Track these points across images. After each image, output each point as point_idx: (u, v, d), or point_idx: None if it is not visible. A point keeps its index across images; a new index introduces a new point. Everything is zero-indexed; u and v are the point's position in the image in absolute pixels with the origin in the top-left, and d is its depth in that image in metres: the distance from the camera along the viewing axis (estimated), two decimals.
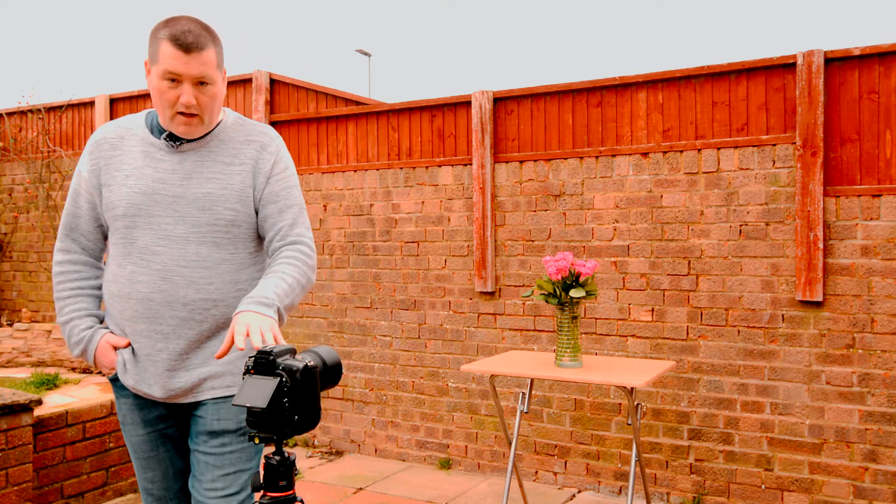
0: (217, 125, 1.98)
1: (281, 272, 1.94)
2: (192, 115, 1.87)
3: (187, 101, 1.84)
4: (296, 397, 1.50)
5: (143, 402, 2.01)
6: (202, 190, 1.92)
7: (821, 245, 3.59)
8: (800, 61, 3.63)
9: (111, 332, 1.98)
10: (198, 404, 1.98)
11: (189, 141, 1.94)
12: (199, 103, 1.85)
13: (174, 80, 1.83)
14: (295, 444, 5.09)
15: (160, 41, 1.83)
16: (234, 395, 1.84)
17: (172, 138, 1.93)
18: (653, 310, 4.01)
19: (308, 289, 2.00)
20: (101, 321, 2.02)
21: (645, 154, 4.04)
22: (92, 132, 5.79)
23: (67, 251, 2.02)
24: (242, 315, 1.77)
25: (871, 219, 3.54)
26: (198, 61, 1.82)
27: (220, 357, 1.75)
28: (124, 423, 2.06)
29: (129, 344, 1.95)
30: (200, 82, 1.85)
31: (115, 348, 1.97)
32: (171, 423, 2.04)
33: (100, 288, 2.04)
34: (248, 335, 1.69)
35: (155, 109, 1.95)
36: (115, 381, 2.02)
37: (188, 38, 1.81)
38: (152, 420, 2.02)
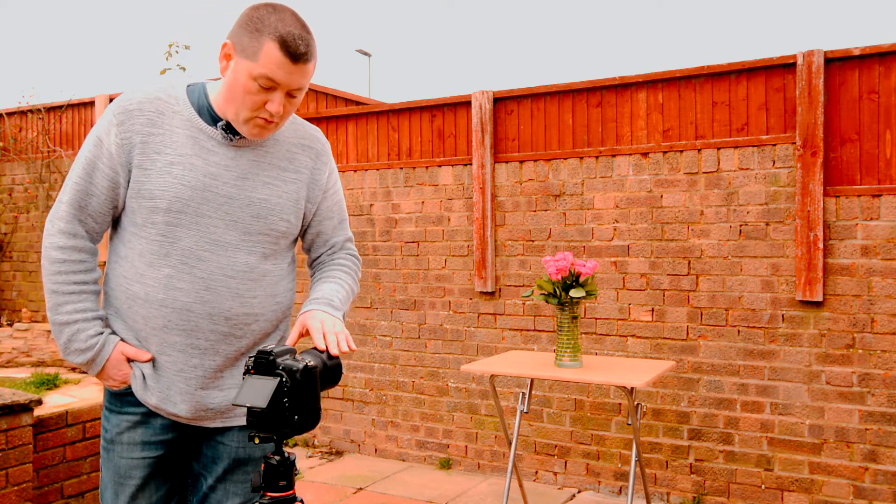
0: None
1: (338, 278, 1.86)
2: (270, 122, 1.67)
3: (276, 110, 1.63)
4: (296, 397, 1.50)
5: (151, 422, 1.78)
6: (258, 195, 1.74)
7: (821, 245, 3.59)
8: (800, 61, 3.63)
9: (124, 342, 1.75)
10: (223, 430, 1.81)
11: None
12: (283, 112, 1.67)
13: (269, 87, 1.61)
14: (295, 444, 5.09)
15: (265, 38, 1.59)
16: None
17: (230, 130, 1.71)
18: (653, 310, 4.01)
19: (353, 298, 1.92)
20: (105, 323, 1.77)
21: (645, 154, 4.04)
22: None
23: (73, 234, 1.72)
24: (315, 313, 1.69)
25: (871, 219, 3.54)
26: (301, 72, 1.62)
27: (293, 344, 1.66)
28: (113, 443, 1.79)
29: (152, 357, 1.74)
30: (291, 93, 1.65)
31: (130, 360, 1.75)
32: (175, 447, 1.82)
33: (98, 282, 1.79)
34: (324, 335, 1.62)
35: (220, 93, 1.71)
36: (121, 395, 1.79)
37: (300, 46, 1.59)
38: (155, 443, 1.79)
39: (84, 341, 1.72)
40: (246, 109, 1.64)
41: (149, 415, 1.77)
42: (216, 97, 1.71)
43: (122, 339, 1.75)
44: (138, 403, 1.77)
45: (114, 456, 1.79)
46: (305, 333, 1.72)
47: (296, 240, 1.89)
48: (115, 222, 1.77)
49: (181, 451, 1.83)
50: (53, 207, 1.76)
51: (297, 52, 1.59)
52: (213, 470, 1.82)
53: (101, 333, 1.73)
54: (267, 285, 1.78)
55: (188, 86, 1.75)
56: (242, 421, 1.78)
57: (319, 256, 1.94)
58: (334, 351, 1.61)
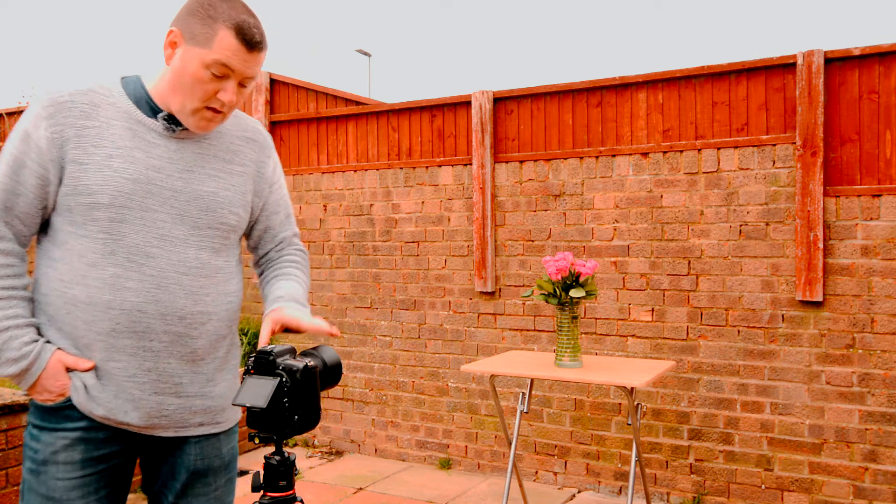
0: None
1: (295, 276, 1.83)
2: (218, 113, 1.61)
3: (230, 99, 1.58)
4: (296, 397, 1.50)
5: (93, 436, 1.63)
6: (205, 188, 1.67)
7: (821, 245, 3.59)
8: (800, 61, 3.63)
9: (61, 350, 1.60)
10: (178, 442, 1.71)
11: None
12: (233, 103, 1.62)
13: (223, 75, 1.56)
14: (295, 444, 5.09)
15: (219, 25, 1.54)
16: (221, 432, 1.77)
17: (171, 121, 1.63)
18: (653, 310, 4.01)
19: None
20: (38, 331, 1.62)
21: (645, 154, 4.04)
22: None
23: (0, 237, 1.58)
24: (289, 310, 1.69)
25: (871, 219, 3.54)
26: (255, 61, 1.58)
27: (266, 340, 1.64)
28: (46, 464, 1.60)
29: (94, 366, 1.60)
30: (242, 83, 1.61)
31: (68, 370, 1.59)
32: (122, 460, 1.68)
33: (27, 288, 1.64)
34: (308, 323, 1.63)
35: (160, 83, 1.63)
36: (56, 409, 1.62)
37: (255, 34, 1.56)
38: (98, 458, 1.63)
39: (17, 349, 1.56)
40: (195, 99, 1.58)
41: (90, 428, 1.62)
42: (157, 88, 1.63)
43: (58, 348, 1.61)
44: (79, 417, 1.61)
45: (46, 479, 1.60)
46: (278, 331, 1.68)
47: (240, 237, 1.82)
48: (45, 224, 1.64)
49: (127, 466, 1.70)
50: None
51: (252, 39, 1.56)
52: (172, 486, 1.72)
53: (37, 341, 1.58)
54: (219, 283, 1.70)
55: (122, 78, 1.66)
56: (199, 431, 1.71)
57: (268, 253, 1.89)
58: (326, 329, 1.63)
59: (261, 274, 1.90)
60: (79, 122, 1.58)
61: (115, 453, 1.65)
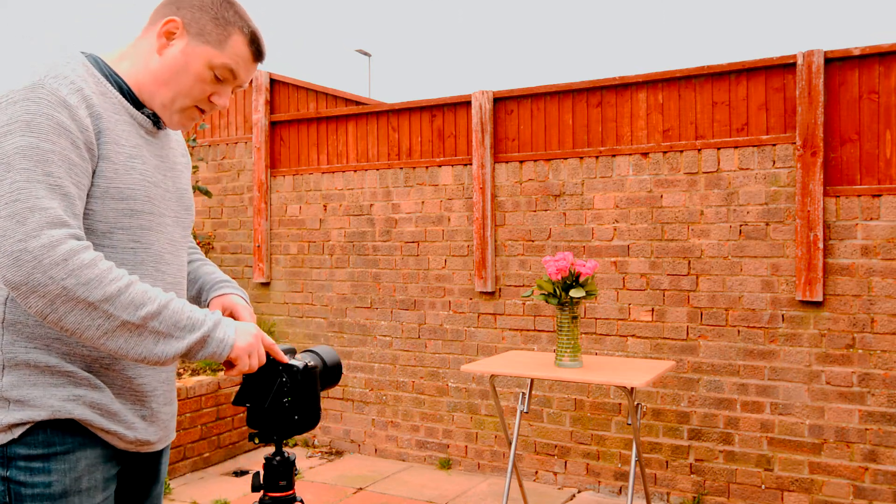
0: None
1: (210, 263, 1.80)
2: (202, 113, 1.54)
3: (223, 104, 1.51)
4: (296, 397, 1.50)
5: (109, 455, 1.46)
6: (182, 185, 1.60)
7: (821, 245, 3.59)
8: (800, 61, 3.63)
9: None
10: (159, 452, 1.63)
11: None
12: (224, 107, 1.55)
13: (224, 79, 1.48)
14: (295, 444, 5.09)
15: (233, 29, 1.46)
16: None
17: (157, 118, 1.52)
18: (653, 310, 4.01)
19: None
20: None
21: (645, 154, 4.04)
22: None
23: (85, 240, 1.30)
24: (244, 310, 1.65)
25: (871, 219, 3.54)
26: (253, 72, 1.55)
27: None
28: (73, 493, 1.37)
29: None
30: (234, 90, 1.56)
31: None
32: (116, 481, 1.53)
33: None
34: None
35: (139, 72, 1.47)
36: (62, 429, 1.37)
37: (264, 46, 1.52)
38: (112, 478, 1.48)
39: (196, 314, 1.35)
40: (189, 98, 1.47)
41: (106, 447, 1.45)
42: (137, 77, 1.47)
43: (68, 372, 1.37)
44: (90, 434, 1.41)
45: None
46: (229, 315, 1.65)
47: None
48: None
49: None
50: (28, 230, 1.22)
51: (262, 51, 1.51)
52: (139, 493, 1.60)
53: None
54: (187, 284, 1.67)
55: (94, 60, 1.46)
56: (171, 437, 1.63)
57: None
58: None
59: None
60: (96, 111, 1.37)
61: (119, 472, 1.52)
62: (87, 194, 1.35)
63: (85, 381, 1.39)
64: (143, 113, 1.48)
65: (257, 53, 1.51)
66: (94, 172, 1.35)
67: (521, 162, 4.38)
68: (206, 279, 1.73)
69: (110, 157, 1.37)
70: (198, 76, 1.46)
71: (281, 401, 1.50)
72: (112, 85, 1.44)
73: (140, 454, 1.54)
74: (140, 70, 1.47)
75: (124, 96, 1.46)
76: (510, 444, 3.51)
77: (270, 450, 4.17)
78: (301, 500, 1.58)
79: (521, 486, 3.77)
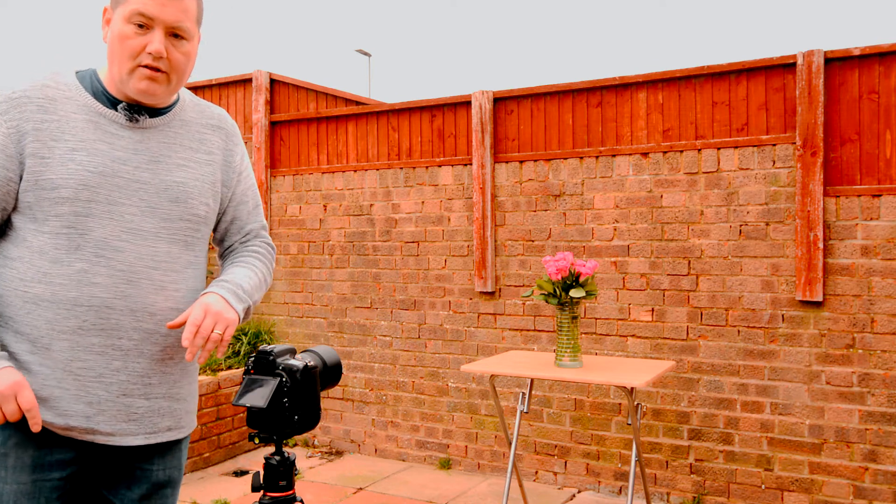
0: (176, 102, 1.68)
1: (252, 264, 1.73)
2: (157, 70, 1.54)
3: (157, 49, 1.51)
4: (296, 397, 1.51)
5: (43, 439, 1.51)
6: (174, 178, 1.61)
7: (821, 245, 3.59)
8: (800, 61, 3.63)
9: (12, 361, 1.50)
10: (142, 451, 1.62)
11: (151, 117, 1.61)
12: (169, 58, 1.54)
13: (143, 24, 1.51)
14: (295, 444, 5.09)
15: None
16: (185, 437, 1.70)
17: (132, 110, 1.59)
18: (653, 310, 4.01)
19: (265, 290, 1.77)
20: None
21: (645, 154, 4.04)
22: None
23: None
24: (211, 297, 1.57)
25: (871, 219, 3.54)
26: (176, 7, 1.53)
27: (170, 326, 1.55)
28: None
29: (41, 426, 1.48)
30: (175, 34, 1.54)
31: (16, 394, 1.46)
32: (74, 469, 1.56)
33: None
34: (196, 332, 1.50)
35: (107, 67, 1.60)
36: None
37: None
38: (48, 465, 1.52)
39: None
40: (127, 58, 1.53)
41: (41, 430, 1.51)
42: (108, 73, 1.60)
43: (11, 354, 1.50)
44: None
45: None
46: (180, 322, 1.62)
47: (210, 231, 1.75)
48: (3, 225, 1.57)
49: (84, 475, 1.59)
50: None
51: None
52: (125, 496, 1.62)
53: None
54: (190, 278, 1.64)
55: (77, 72, 1.62)
56: (166, 437, 1.63)
57: (232, 245, 1.81)
58: (185, 341, 1.51)
59: (223, 266, 1.82)
60: (36, 116, 1.52)
61: (70, 460, 1.55)
62: (21, 188, 1.51)
63: (23, 364, 1.50)
64: (117, 109, 1.58)
65: None
66: (22, 170, 1.51)
67: (521, 162, 4.38)
68: (218, 278, 1.71)
69: (39, 153, 1.51)
70: (121, 35, 1.53)
71: (281, 401, 1.50)
72: (87, 90, 1.58)
73: (112, 447, 1.57)
74: (106, 66, 1.61)
75: (98, 97, 1.58)
76: (510, 444, 3.51)
77: (270, 450, 4.17)
78: (301, 500, 1.58)
79: (521, 486, 3.77)
